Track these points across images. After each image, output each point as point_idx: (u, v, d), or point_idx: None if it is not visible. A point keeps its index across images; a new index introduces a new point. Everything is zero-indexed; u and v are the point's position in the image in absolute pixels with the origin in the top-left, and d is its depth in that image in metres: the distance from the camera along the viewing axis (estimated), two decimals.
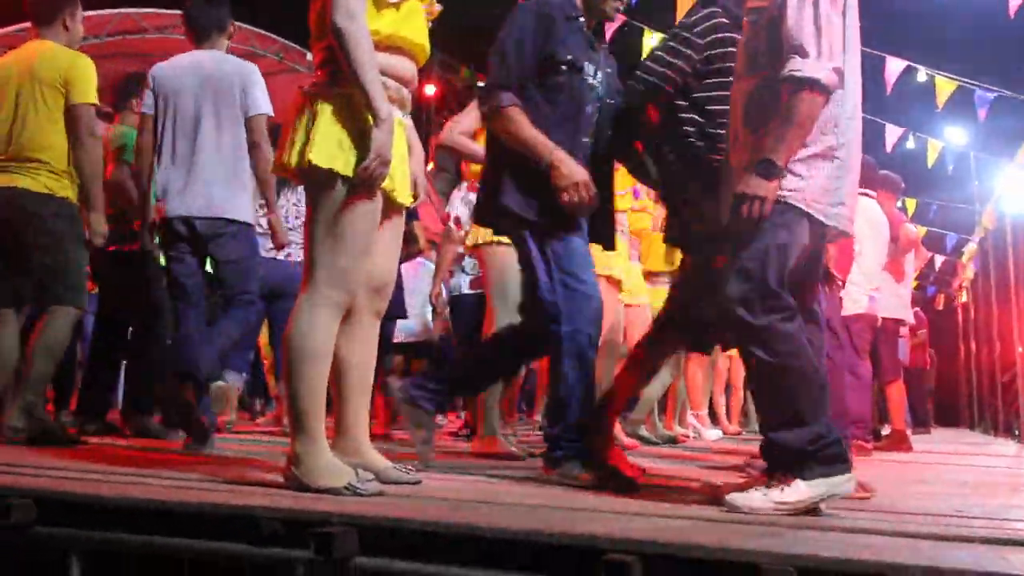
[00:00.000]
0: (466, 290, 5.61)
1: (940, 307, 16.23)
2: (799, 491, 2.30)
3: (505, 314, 4.22)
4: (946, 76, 8.76)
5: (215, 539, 2.01)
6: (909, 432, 6.86)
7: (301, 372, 2.49)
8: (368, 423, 2.87)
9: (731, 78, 2.76)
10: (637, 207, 5.33)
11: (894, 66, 8.56)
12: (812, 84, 2.36)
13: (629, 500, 2.49)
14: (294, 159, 2.51)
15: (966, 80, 8.86)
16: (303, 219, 5.05)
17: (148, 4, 10.39)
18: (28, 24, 4.37)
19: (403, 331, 7.18)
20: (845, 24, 2.47)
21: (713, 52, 3.06)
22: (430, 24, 2.79)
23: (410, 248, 5.76)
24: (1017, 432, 9.14)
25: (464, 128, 4.24)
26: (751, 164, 2.42)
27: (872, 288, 5.73)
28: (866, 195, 5.63)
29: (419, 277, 7.26)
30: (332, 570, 1.86)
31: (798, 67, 2.36)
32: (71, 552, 2.10)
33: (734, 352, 3.52)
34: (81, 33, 4.35)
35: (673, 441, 5.89)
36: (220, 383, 4.44)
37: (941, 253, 14.06)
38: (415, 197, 2.87)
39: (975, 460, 5.53)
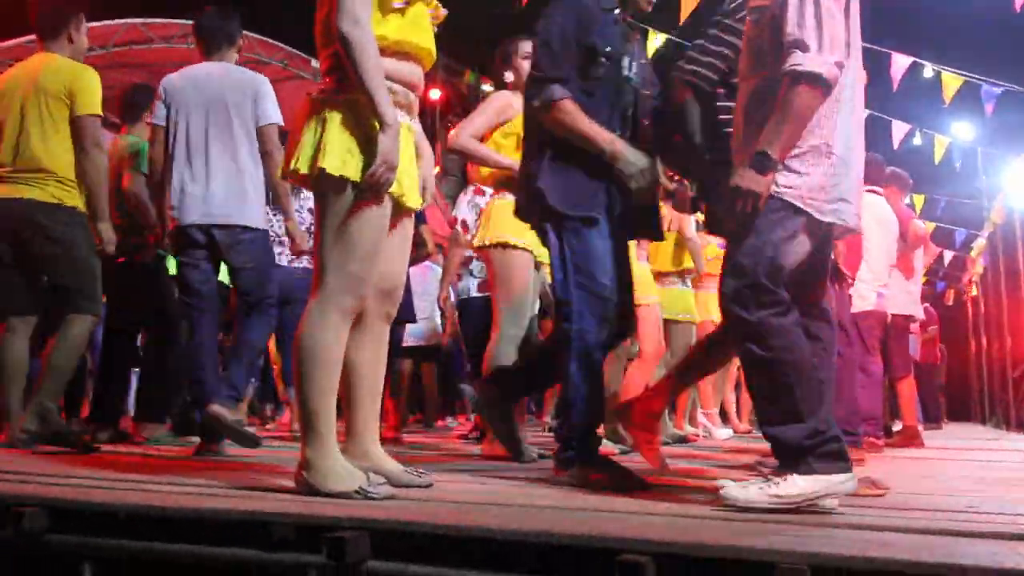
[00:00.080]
0: (474, 293, 5.62)
1: (950, 302, 16.21)
2: (795, 486, 2.28)
3: (509, 316, 4.22)
4: (953, 71, 8.74)
5: (227, 545, 2.01)
6: (920, 428, 6.84)
7: (312, 377, 2.49)
8: (378, 427, 2.87)
9: None
10: None
11: (900, 62, 8.54)
12: (812, 78, 2.35)
13: (640, 500, 2.48)
14: (305, 166, 2.52)
15: (973, 75, 8.84)
16: (306, 225, 5.13)
17: (154, 14, 10.43)
18: (34, 36, 4.41)
19: (412, 335, 7.19)
20: (848, 19, 2.46)
21: None
22: (436, 29, 2.79)
23: (418, 252, 5.77)
24: None
25: (473, 132, 4.24)
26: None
27: (880, 285, 5.71)
28: (873, 192, 5.62)
29: (427, 281, 7.27)
30: (344, 575, 1.86)
31: (799, 61, 2.35)
32: (83, 560, 2.10)
33: None
34: (86, 45, 4.40)
35: (684, 440, 5.88)
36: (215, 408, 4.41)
37: (950, 249, 14.04)
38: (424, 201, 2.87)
39: (987, 455, 5.51)
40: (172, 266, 4.77)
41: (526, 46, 4.36)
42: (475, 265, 5.59)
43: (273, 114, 4.18)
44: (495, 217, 4.31)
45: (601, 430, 3.24)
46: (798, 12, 2.38)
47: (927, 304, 9.78)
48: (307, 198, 5.29)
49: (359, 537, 1.87)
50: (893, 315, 6.07)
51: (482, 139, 4.25)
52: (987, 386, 13.54)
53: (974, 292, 14.71)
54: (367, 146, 2.49)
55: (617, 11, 3.20)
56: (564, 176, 3.08)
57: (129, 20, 10.16)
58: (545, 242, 3.19)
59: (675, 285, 6.04)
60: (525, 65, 4.34)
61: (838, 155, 2.44)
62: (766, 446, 2.60)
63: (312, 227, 4.81)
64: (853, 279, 4.56)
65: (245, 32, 4.53)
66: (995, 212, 11.63)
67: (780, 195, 2.40)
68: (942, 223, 13.51)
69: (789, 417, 2.35)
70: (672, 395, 3.45)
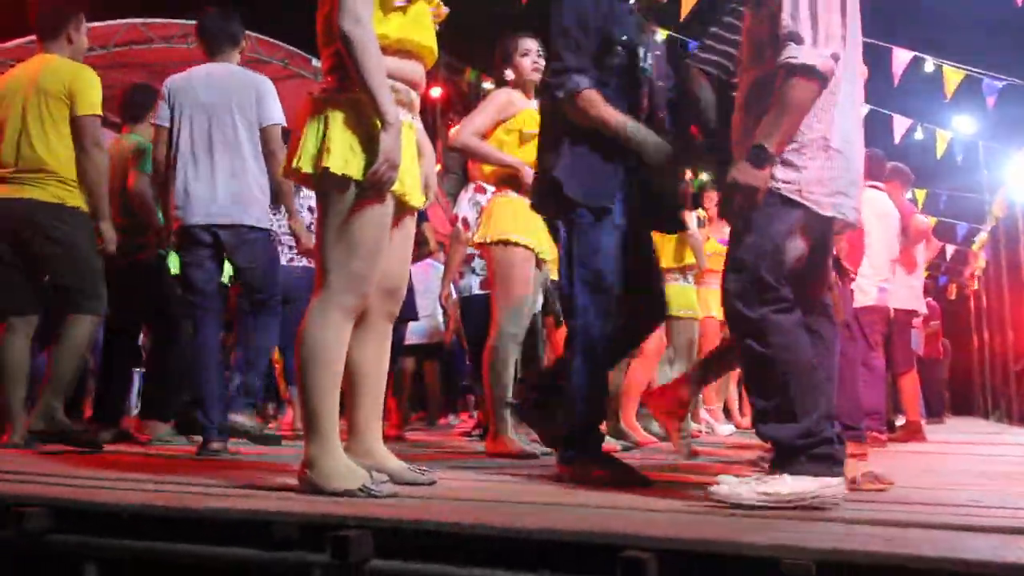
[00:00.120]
0: (476, 291, 5.61)
1: (952, 297, 16.19)
2: (784, 484, 2.27)
3: (508, 314, 4.22)
4: (954, 66, 8.72)
5: (230, 545, 2.01)
6: (923, 423, 6.83)
7: (314, 376, 2.49)
8: (381, 425, 2.87)
9: None
10: None
11: (902, 57, 8.53)
12: (806, 71, 2.33)
13: (642, 496, 2.48)
14: (307, 165, 2.52)
15: (974, 69, 8.82)
16: (305, 223, 5.13)
17: (154, 14, 10.41)
18: (34, 37, 4.42)
19: (414, 333, 7.19)
20: (846, 13, 2.45)
21: None
22: (437, 27, 2.79)
23: (420, 249, 5.77)
24: None
25: (475, 129, 4.24)
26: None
27: (882, 280, 5.71)
28: (874, 187, 5.62)
29: (430, 279, 7.27)
30: (348, 574, 1.86)
31: (794, 54, 2.34)
32: (86, 560, 2.10)
33: None
34: (85, 45, 4.42)
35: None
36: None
37: (952, 243, 14.02)
38: (427, 199, 2.87)
39: (990, 449, 5.51)
40: (174, 265, 4.78)
41: (526, 43, 4.37)
42: (477, 263, 5.59)
43: (276, 114, 4.23)
44: (497, 214, 4.31)
45: (603, 427, 3.24)
46: (793, 4, 2.37)
47: (929, 299, 9.76)
48: (306, 196, 5.30)
49: (362, 536, 1.87)
50: (895, 310, 6.07)
51: (484, 136, 4.25)
52: (989, 380, 13.52)
53: (976, 286, 14.69)
54: (369, 145, 2.50)
55: (632, 1, 3.20)
56: (582, 167, 3.06)
57: (129, 20, 10.13)
58: (556, 237, 3.18)
59: (677, 281, 6.03)
60: (525, 63, 4.34)
61: (836, 149, 2.43)
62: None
63: (311, 225, 4.85)
64: (855, 274, 4.56)
65: (246, 32, 4.55)
66: (997, 206, 11.62)
67: (779, 190, 2.39)
68: (944, 217, 13.50)
69: (783, 416, 2.33)
70: (699, 385, 3.47)
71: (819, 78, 2.35)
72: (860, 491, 2.68)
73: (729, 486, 2.28)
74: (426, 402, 8.99)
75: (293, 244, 5.18)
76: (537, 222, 4.37)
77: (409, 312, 5.50)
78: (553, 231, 3.21)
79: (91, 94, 4.16)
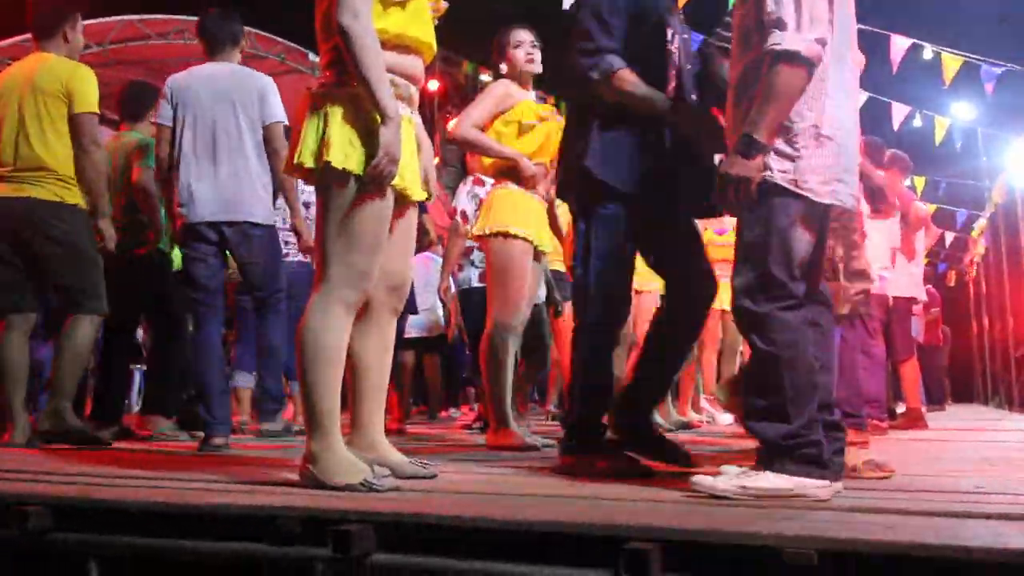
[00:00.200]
0: (475, 283, 5.61)
1: (952, 283, 16.18)
2: (767, 480, 2.26)
3: (505, 306, 4.22)
4: (952, 52, 8.70)
5: (232, 540, 2.01)
6: (924, 410, 6.84)
7: (315, 370, 2.49)
8: (383, 419, 2.87)
9: None
10: None
11: (900, 44, 8.50)
12: (790, 56, 2.31)
13: (645, 487, 2.48)
14: (309, 160, 2.52)
15: (973, 55, 8.80)
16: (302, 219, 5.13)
17: (151, 11, 10.40)
18: (30, 35, 4.43)
19: (414, 326, 7.20)
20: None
21: None
22: (436, 22, 2.79)
23: (421, 240, 5.77)
24: None
25: (473, 121, 4.23)
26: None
27: (882, 267, 5.70)
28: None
29: (430, 272, 7.27)
30: (350, 568, 1.86)
31: (777, 40, 2.32)
32: (89, 557, 2.10)
33: None
34: (81, 44, 4.45)
35: (687, 427, 5.88)
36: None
37: (951, 230, 14.00)
38: (428, 194, 2.86)
39: (991, 436, 5.51)
40: (177, 261, 4.79)
41: (519, 35, 4.36)
42: (476, 255, 5.59)
43: (278, 112, 4.29)
44: (496, 206, 4.30)
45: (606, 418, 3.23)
46: None
47: (929, 286, 9.76)
48: (302, 192, 5.29)
49: (364, 530, 1.87)
50: (895, 297, 6.07)
51: (483, 129, 4.25)
52: (989, 366, 13.53)
53: (975, 273, 14.70)
54: (369, 139, 2.50)
55: None
56: (613, 152, 3.02)
57: (126, 17, 10.12)
58: (577, 224, 3.16)
59: None
60: (518, 55, 4.34)
61: (827, 136, 2.39)
62: None
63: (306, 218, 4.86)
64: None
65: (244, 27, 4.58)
66: (996, 192, 11.61)
67: (775, 180, 2.37)
68: (943, 204, 13.47)
69: (775, 416, 2.32)
70: None
71: (805, 63, 2.32)
72: (861, 479, 2.68)
73: (711, 479, 2.27)
74: (427, 395, 8.99)
75: (288, 239, 5.19)
76: (536, 214, 4.38)
77: (409, 306, 5.50)
78: (575, 218, 3.19)
79: (89, 92, 4.18)
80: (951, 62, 8.68)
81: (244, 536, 2.00)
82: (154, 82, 5.45)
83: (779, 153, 2.37)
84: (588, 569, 1.75)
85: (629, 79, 2.99)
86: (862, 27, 2.63)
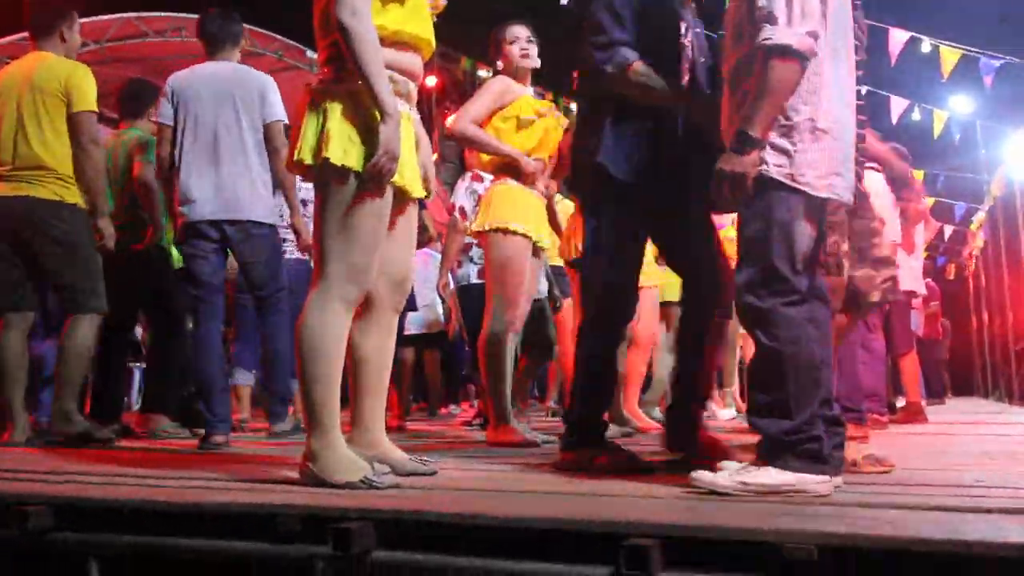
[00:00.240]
0: (474, 280, 5.61)
1: (951, 277, 16.18)
2: (767, 475, 2.26)
3: (502, 302, 4.21)
4: (951, 45, 8.69)
5: (232, 538, 2.01)
6: (924, 403, 6.84)
7: (315, 368, 2.49)
8: (384, 416, 2.87)
9: None
10: None
11: (898, 37, 8.50)
12: (781, 50, 2.30)
13: (645, 483, 2.48)
14: (308, 156, 2.51)
15: (971, 48, 8.79)
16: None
17: (148, 8, 10.38)
18: (27, 34, 4.43)
19: (414, 323, 7.20)
20: None
21: None
22: (435, 18, 2.78)
23: (420, 236, 5.77)
24: None
25: (472, 117, 4.23)
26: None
27: None
28: (872, 168, 5.60)
29: (429, 268, 7.26)
30: (350, 565, 1.86)
31: (768, 35, 2.31)
32: (89, 557, 2.10)
33: None
34: (79, 43, 4.46)
35: None
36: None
37: (950, 223, 14.01)
38: (427, 191, 2.85)
39: (991, 429, 5.51)
40: (178, 258, 4.79)
41: (514, 31, 4.35)
42: (475, 252, 5.58)
43: (279, 111, 4.32)
44: (495, 202, 4.30)
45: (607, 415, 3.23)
46: None
47: (928, 279, 9.76)
48: (300, 189, 5.29)
49: (364, 527, 1.87)
50: None
51: (481, 124, 4.24)
52: (989, 360, 13.53)
53: (974, 266, 14.69)
54: (368, 136, 2.50)
55: None
56: (625, 146, 3.00)
57: (123, 15, 10.10)
58: (588, 220, 3.14)
59: None
60: (513, 51, 4.33)
61: (823, 130, 2.39)
62: None
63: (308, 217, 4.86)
64: None
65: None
66: (995, 185, 11.61)
67: (771, 175, 2.36)
68: (942, 198, 13.47)
69: (779, 411, 2.31)
70: None
71: (797, 57, 2.31)
72: (861, 473, 2.68)
73: (710, 474, 2.27)
74: (427, 392, 8.99)
75: (287, 237, 5.19)
76: (535, 210, 4.37)
77: (409, 303, 5.50)
78: (583, 214, 3.18)
79: (87, 91, 4.19)
80: (949, 55, 8.69)
81: (244, 534, 2.00)
82: (152, 80, 5.45)
83: (775, 148, 2.37)
84: (588, 565, 1.75)
85: (644, 72, 2.98)
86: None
